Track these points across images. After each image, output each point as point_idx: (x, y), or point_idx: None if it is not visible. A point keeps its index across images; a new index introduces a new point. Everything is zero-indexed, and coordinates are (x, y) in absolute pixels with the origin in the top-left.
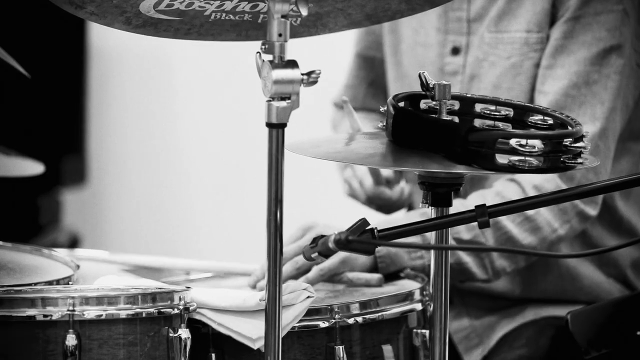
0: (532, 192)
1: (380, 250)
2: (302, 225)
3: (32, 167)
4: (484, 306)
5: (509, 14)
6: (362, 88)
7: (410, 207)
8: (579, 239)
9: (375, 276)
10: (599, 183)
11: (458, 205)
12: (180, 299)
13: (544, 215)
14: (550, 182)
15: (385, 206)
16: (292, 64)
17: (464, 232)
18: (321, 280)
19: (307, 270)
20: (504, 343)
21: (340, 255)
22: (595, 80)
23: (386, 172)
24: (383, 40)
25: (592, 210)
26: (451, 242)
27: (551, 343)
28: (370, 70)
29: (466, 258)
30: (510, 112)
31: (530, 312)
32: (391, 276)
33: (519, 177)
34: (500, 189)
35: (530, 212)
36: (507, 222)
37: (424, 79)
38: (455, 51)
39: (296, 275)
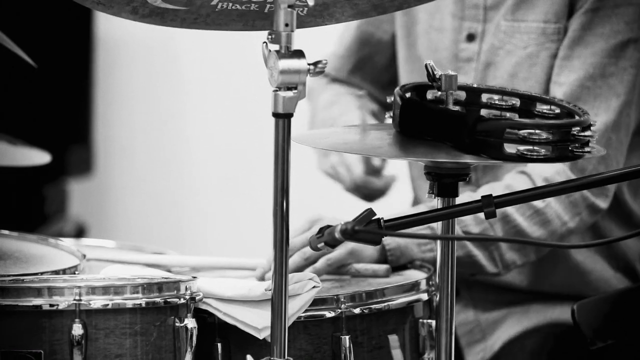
0: (542, 185)
1: (390, 242)
2: (309, 218)
3: (38, 157)
4: (491, 299)
5: (527, 3)
6: (350, 61)
7: (416, 200)
8: (589, 233)
9: (383, 267)
10: (606, 173)
11: (467, 198)
12: (186, 289)
13: (554, 208)
14: (561, 174)
15: (371, 195)
16: (299, 54)
17: (473, 225)
18: (328, 270)
19: (315, 261)
20: (506, 352)
21: (348, 246)
22: (612, 73)
23: (377, 161)
24: (394, 20)
25: (603, 203)
26: (459, 233)
27: (550, 353)
28: (364, 45)
29: (476, 251)
30: (517, 102)
31: (535, 312)
32: (397, 266)
33: (529, 169)
34: (510, 182)
35: (540, 205)
36: (517, 215)
37: (430, 70)
38: (471, 38)
39: (304, 266)
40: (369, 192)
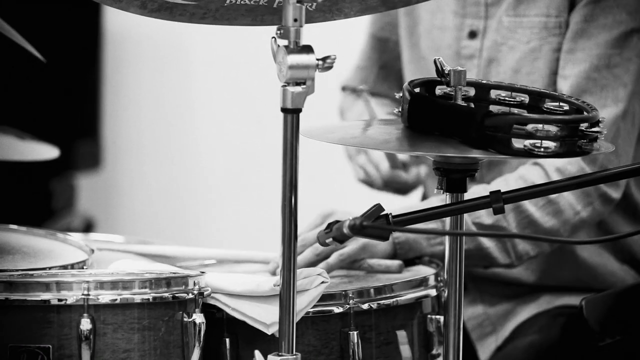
0: (555, 175)
1: (399, 236)
2: (321, 213)
3: (47, 151)
4: (499, 293)
5: None
6: (373, 70)
7: (424, 196)
8: (595, 226)
9: (396, 262)
10: (617, 169)
11: (481, 191)
12: (194, 284)
13: (567, 198)
14: (573, 164)
15: (402, 189)
16: (307, 49)
17: (485, 216)
18: (341, 266)
19: (327, 257)
20: (517, 333)
21: (361, 241)
22: (617, 63)
23: (402, 155)
24: (398, 22)
25: (615, 193)
26: (471, 227)
27: (562, 332)
28: (383, 52)
29: (488, 243)
30: (526, 99)
31: (544, 300)
32: (406, 262)
33: (542, 160)
34: (523, 172)
35: (552, 195)
36: (529, 205)
37: (439, 65)
38: (473, 35)
39: (316, 262)
40: (399, 186)
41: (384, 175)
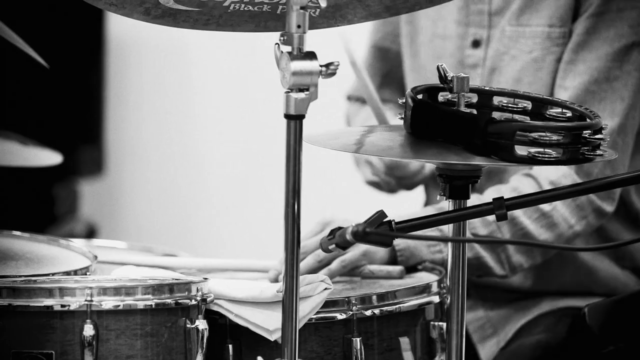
0: (548, 187)
1: (400, 243)
2: (321, 220)
3: (50, 157)
4: (500, 298)
5: (531, 8)
6: (376, 79)
7: (427, 199)
8: (595, 233)
9: (397, 268)
10: (617, 176)
11: (475, 200)
12: (197, 290)
13: (561, 211)
14: (567, 177)
15: (406, 178)
16: (311, 56)
17: (480, 227)
18: (343, 272)
19: (329, 263)
20: (522, 332)
21: (361, 248)
22: (616, 77)
23: None
24: (400, 31)
25: (609, 207)
26: (469, 235)
27: (569, 330)
28: (385, 61)
29: (483, 252)
30: (529, 105)
31: (547, 304)
32: (409, 268)
33: (535, 172)
34: (517, 184)
35: (546, 208)
36: (524, 218)
37: (442, 72)
38: (476, 44)
39: (318, 268)
40: (402, 174)
41: (387, 162)
